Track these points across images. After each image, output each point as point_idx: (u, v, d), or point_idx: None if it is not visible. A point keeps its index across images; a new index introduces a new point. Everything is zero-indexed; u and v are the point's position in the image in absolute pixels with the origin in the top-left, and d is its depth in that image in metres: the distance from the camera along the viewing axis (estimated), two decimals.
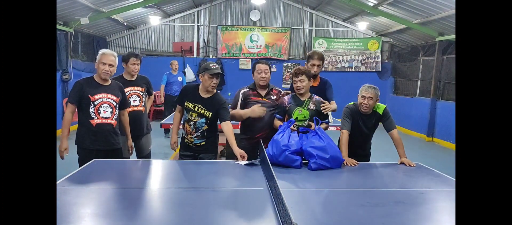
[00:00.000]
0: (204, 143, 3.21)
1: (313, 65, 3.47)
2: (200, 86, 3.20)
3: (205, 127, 3.17)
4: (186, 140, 3.25)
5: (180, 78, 8.17)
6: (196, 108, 3.15)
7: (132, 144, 3.57)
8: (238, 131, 3.50)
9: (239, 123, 3.44)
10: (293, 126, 2.99)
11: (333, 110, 3.35)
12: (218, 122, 3.27)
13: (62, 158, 3.08)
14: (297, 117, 3.13)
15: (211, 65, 3.12)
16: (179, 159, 3.30)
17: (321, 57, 3.53)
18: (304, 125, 3.10)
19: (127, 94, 3.61)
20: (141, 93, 3.84)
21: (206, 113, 3.15)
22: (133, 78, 3.81)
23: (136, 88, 3.81)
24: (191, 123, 3.17)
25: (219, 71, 3.12)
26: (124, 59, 3.75)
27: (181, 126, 3.42)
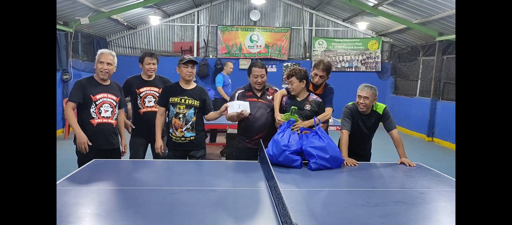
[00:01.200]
0: (193, 137, 3.26)
1: (316, 75, 3.33)
2: (180, 80, 3.32)
3: (194, 118, 3.25)
4: (174, 138, 3.26)
5: (230, 81, 7.56)
6: (183, 100, 3.23)
7: (126, 143, 3.51)
8: (236, 131, 3.50)
9: (237, 123, 3.44)
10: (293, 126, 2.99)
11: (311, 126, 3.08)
12: (204, 120, 3.39)
13: (83, 151, 3.04)
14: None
15: (183, 56, 3.29)
16: (169, 158, 3.30)
17: (326, 68, 3.32)
18: (293, 129, 3.05)
19: (142, 94, 3.61)
20: (157, 95, 3.65)
21: (194, 102, 3.24)
22: (151, 79, 3.71)
23: (152, 88, 3.68)
24: (180, 115, 3.22)
25: (192, 58, 3.26)
26: (140, 59, 3.72)
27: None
